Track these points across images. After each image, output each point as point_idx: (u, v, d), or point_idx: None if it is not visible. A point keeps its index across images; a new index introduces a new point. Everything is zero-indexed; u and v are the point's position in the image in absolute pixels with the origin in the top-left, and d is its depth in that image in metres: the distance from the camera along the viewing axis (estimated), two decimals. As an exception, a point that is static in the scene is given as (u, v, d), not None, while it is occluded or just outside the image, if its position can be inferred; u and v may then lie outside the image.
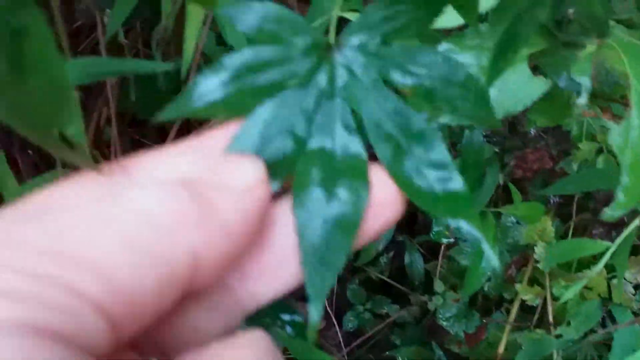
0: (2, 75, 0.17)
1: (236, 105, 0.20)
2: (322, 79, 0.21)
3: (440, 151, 0.20)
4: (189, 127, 0.96)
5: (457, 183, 0.21)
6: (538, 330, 0.65)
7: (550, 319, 0.65)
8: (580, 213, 0.82)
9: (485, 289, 0.86)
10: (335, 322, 1.21)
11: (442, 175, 0.20)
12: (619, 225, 0.66)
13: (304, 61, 0.21)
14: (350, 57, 0.22)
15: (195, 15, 0.36)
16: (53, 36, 0.18)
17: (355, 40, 0.22)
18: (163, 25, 0.42)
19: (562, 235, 0.78)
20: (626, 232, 0.47)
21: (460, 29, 0.42)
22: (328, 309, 1.20)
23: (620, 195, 0.35)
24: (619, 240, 0.47)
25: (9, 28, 0.17)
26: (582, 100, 0.37)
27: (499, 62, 0.39)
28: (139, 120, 0.95)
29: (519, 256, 0.77)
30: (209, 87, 0.19)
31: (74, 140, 0.20)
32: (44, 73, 0.18)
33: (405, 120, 0.21)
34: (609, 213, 0.36)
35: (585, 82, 0.37)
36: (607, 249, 0.46)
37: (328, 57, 0.21)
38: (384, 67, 0.22)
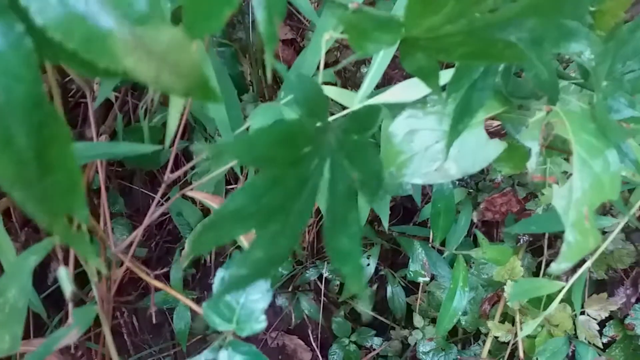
0: (30, 172, 0.20)
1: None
2: None
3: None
4: (177, 167, 0.99)
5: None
6: (510, 366, 0.68)
7: (521, 354, 0.68)
8: (551, 248, 0.86)
9: (463, 323, 0.90)
10: (320, 355, 1.23)
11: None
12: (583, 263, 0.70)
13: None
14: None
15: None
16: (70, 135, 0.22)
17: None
18: (150, 96, 0.45)
19: (534, 272, 0.82)
20: (577, 274, 0.51)
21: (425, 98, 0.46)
22: (313, 342, 1.22)
23: (565, 251, 0.39)
24: (572, 280, 0.51)
25: (39, 139, 0.20)
26: (532, 163, 0.41)
27: (457, 126, 0.44)
28: (127, 169, 0.97)
29: (493, 293, 0.81)
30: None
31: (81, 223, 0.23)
32: (63, 169, 0.21)
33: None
34: (556, 267, 0.39)
35: (534, 146, 0.41)
36: (562, 288, 0.50)
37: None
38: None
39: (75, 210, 0.22)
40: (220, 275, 0.38)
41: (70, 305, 0.47)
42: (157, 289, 1.07)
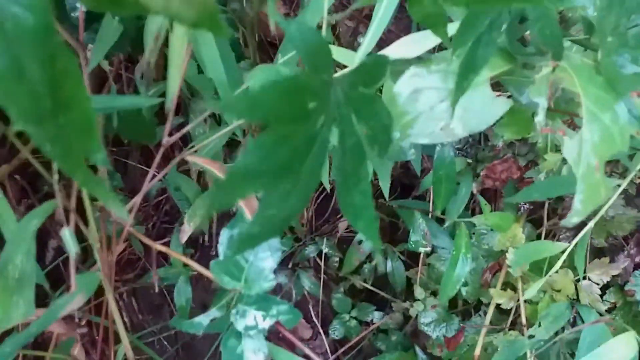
0: (45, 107, 0.20)
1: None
2: None
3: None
4: (173, 148, 0.98)
5: None
6: (512, 332, 0.69)
7: (524, 320, 0.69)
8: (552, 218, 0.87)
9: (464, 294, 0.90)
10: (322, 331, 1.23)
11: None
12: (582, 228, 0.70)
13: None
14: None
15: (178, 51, 0.39)
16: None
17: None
18: (146, 60, 0.44)
19: (534, 240, 0.82)
20: (580, 234, 0.51)
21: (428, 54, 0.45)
22: (314, 318, 1.22)
23: (577, 204, 0.39)
24: (575, 241, 0.51)
25: (51, 72, 0.19)
26: (540, 118, 0.41)
27: (462, 83, 0.43)
28: (122, 142, 0.96)
29: (494, 262, 0.81)
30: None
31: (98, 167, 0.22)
32: (77, 108, 0.21)
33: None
34: (568, 220, 0.39)
35: (542, 102, 0.41)
36: (565, 249, 0.50)
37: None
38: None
39: (92, 152, 0.22)
40: (227, 235, 0.38)
41: (72, 273, 0.46)
42: (161, 265, 1.06)
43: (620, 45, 0.45)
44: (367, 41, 0.42)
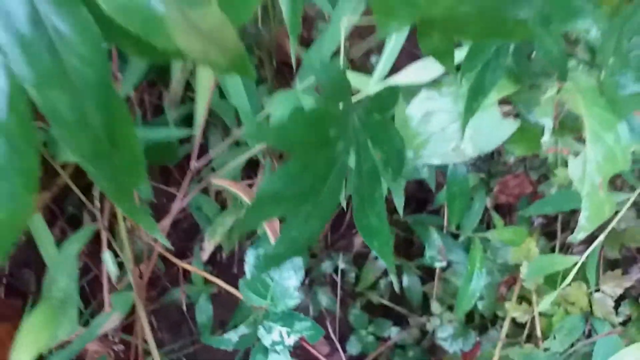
0: (103, 149, 0.22)
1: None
2: None
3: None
4: (189, 165, 1.01)
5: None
6: (528, 345, 0.70)
7: (539, 333, 0.70)
8: (565, 231, 0.88)
9: (480, 308, 0.91)
10: (339, 347, 1.24)
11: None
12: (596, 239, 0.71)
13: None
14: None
15: (204, 84, 0.42)
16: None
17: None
18: (174, 90, 0.48)
19: (548, 254, 0.83)
20: (590, 248, 0.53)
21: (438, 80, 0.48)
22: (332, 334, 1.24)
23: (583, 221, 0.41)
24: (585, 254, 0.53)
25: (108, 118, 0.22)
26: (546, 138, 0.43)
27: (471, 106, 0.46)
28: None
29: (509, 276, 0.82)
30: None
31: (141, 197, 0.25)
32: (128, 149, 0.23)
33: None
34: (575, 236, 0.41)
35: (548, 122, 0.43)
36: (576, 263, 0.52)
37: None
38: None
39: (138, 185, 0.24)
40: (253, 255, 0.40)
41: (106, 293, 0.49)
42: (177, 284, 1.08)
43: (622, 66, 0.47)
44: (380, 69, 0.45)
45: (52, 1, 0.21)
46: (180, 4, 0.23)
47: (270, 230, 0.46)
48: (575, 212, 0.96)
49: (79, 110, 0.23)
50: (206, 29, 0.23)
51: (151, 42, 0.23)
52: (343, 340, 1.24)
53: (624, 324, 0.83)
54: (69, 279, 0.42)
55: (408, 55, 0.64)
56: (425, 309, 1.12)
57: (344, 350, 1.22)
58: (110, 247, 0.50)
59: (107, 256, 0.42)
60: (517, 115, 0.54)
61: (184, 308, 1.25)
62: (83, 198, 0.49)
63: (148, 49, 0.23)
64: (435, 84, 0.47)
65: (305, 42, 0.89)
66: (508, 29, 0.33)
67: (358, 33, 0.87)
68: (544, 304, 0.57)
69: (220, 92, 0.62)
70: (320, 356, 0.45)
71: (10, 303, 0.45)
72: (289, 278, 0.41)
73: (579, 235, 0.40)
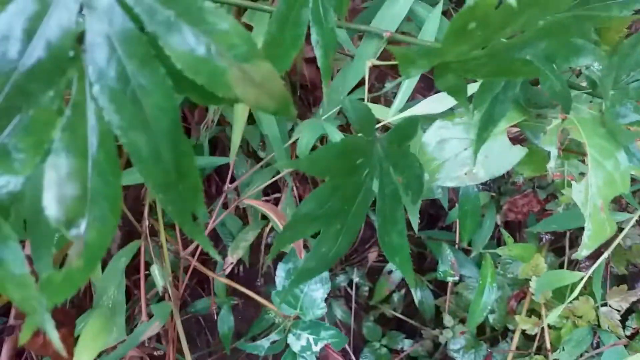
0: (171, 180, 0.27)
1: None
2: None
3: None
4: (210, 183, 1.06)
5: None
6: (537, 357, 0.73)
7: (548, 345, 0.73)
8: (573, 247, 0.91)
9: (491, 321, 0.94)
10: (354, 359, 1.27)
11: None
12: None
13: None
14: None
15: (240, 115, 0.47)
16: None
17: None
18: (211, 117, 0.52)
19: (556, 269, 0.87)
20: (596, 264, 0.56)
21: (452, 109, 0.52)
22: (346, 346, 1.27)
23: (586, 240, 0.45)
24: (591, 270, 0.57)
25: (176, 154, 0.27)
26: (551, 164, 0.47)
27: (482, 134, 0.50)
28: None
29: (519, 290, 0.86)
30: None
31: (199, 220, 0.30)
32: (190, 178, 0.28)
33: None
34: (579, 253, 0.45)
35: (553, 150, 0.47)
36: (582, 277, 0.55)
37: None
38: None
39: (198, 209, 0.29)
40: (284, 269, 0.44)
41: (143, 303, 0.53)
42: (199, 295, 1.13)
43: (622, 97, 0.51)
44: (398, 101, 0.49)
45: (137, 62, 0.26)
46: (238, 60, 0.28)
47: (297, 247, 0.50)
48: (582, 229, 1.00)
49: (154, 148, 0.27)
50: (259, 80, 0.28)
51: (214, 92, 0.27)
52: (357, 352, 1.27)
53: (631, 337, 0.86)
54: (118, 289, 0.46)
55: (422, 79, 0.68)
56: (437, 322, 1.15)
57: (358, 362, 1.25)
58: (145, 261, 0.54)
59: (155, 269, 0.46)
60: (524, 139, 0.58)
61: (205, 316, 1.29)
62: (131, 218, 0.53)
63: (211, 97, 0.28)
64: (448, 114, 0.51)
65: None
66: (515, 69, 0.38)
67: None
68: (552, 316, 0.60)
69: (247, 119, 0.66)
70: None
71: (66, 311, 0.50)
72: (317, 290, 0.45)
73: (583, 252, 0.44)
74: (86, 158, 0.26)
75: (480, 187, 0.85)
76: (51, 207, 0.24)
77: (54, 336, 0.24)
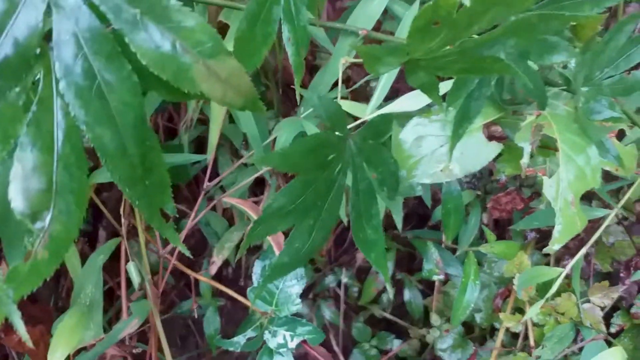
0: (137, 174, 0.27)
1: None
2: None
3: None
4: (197, 183, 1.06)
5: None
6: (521, 354, 0.74)
7: (532, 342, 0.73)
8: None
9: (478, 320, 0.95)
10: (343, 360, 1.28)
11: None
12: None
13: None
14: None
15: (217, 111, 0.47)
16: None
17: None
18: (190, 117, 0.53)
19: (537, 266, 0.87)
20: (573, 261, 0.57)
21: (429, 106, 0.53)
22: (335, 347, 1.27)
23: (556, 234, 0.45)
24: (569, 265, 0.57)
25: (142, 148, 0.27)
26: (524, 160, 0.48)
27: (458, 131, 0.51)
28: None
29: (504, 288, 0.86)
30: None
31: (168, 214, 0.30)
32: (157, 173, 0.28)
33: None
34: (549, 247, 0.46)
35: (526, 147, 0.48)
36: (561, 273, 0.56)
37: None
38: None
39: (165, 204, 0.29)
40: (260, 266, 0.45)
41: (124, 301, 0.54)
42: (187, 297, 1.13)
43: (596, 93, 0.52)
44: (375, 99, 0.50)
45: (104, 59, 0.26)
46: (203, 56, 0.28)
47: (275, 244, 0.51)
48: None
49: (120, 142, 0.28)
50: (224, 76, 0.29)
51: (180, 87, 0.28)
52: (346, 354, 1.27)
53: (617, 334, 0.87)
54: (95, 287, 0.47)
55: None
56: (426, 322, 1.15)
57: (348, 363, 1.25)
58: (126, 259, 0.55)
59: (131, 266, 0.47)
60: (505, 137, 0.59)
61: (194, 318, 1.29)
62: (109, 215, 0.54)
63: (177, 92, 0.28)
64: (425, 111, 0.51)
65: (309, 66, 0.95)
66: (486, 66, 0.38)
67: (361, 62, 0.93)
68: (531, 311, 0.61)
69: (230, 117, 0.67)
70: (319, 357, 0.49)
71: (43, 308, 0.50)
72: (292, 286, 0.45)
73: (554, 246, 0.44)
74: (52, 152, 0.26)
75: (465, 185, 0.85)
76: (17, 200, 0.25)
77: (21, 327, 0.25)
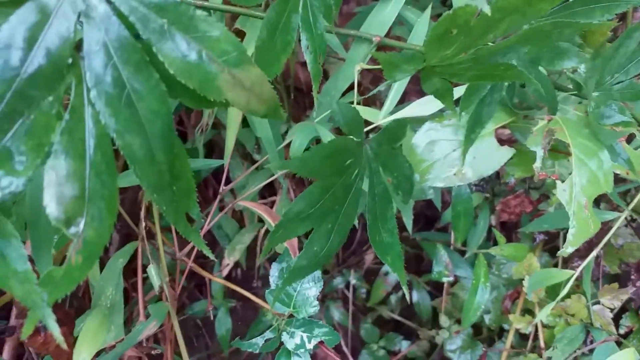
0: (165, 180, 0.28)
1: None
2: None
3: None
4: (207, 185, 1.07)
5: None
6: (532, 355, 0.74)
7: (542, 344, 0.74)
8: (567, 248, 0.92)
9: (487, 321, 0.95)
10: (351, 361, 1.28)
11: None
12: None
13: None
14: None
15: (234, 118, 0.48)
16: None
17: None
18: (205, 122, 0.54)
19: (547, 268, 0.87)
20: (585, 263, 0.57)
21: (441, 111, 0.53)
22: (344, 348, 1.28)
23: (570, 237, 0.46)
24: (580, 268, 0.58)
25: (170, 155, 0.28)
26: (537, 164, 0.48)
27: (470, 136, 0.51)
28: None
29: (513, 290, 0.87)
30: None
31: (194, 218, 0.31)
32: (184, 179, 0.29)
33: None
34: (563, 250, 0.46)
35: (539, 151, 0.48)
36: (572, 275, 0.57)
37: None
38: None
39: (191, 209, 0.30)
40: (277, 268, 0.45)
41: (141, 303, 0.55)
42: (197, 299, 1.14)
43: (606, 98, 0.52)
44: (388, 104, 0.51)
45: (133, 68, 0.27)
46: (228, 65, 0.29)
47: (290, 247, 0.52)
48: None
49: (149, 150, 0.28)
50: (249, 85, 0.29)
51: (206, 96, 0.29)
52: (355, 354, 1.28)
53: (625, 336, 0.87)
54: (116, 290, 0.48)
55: (416, 82, 0.70)
56: (434, 323, 1.16)
57: (356, 364, 1.26)
58: (143, 265, 0.56)
59: (152, 269, 0.48)
60: (515, 141, 0.59)
61: (204, 319, 1.30)
62: (129, 221, 0.54)
63: (203, 100, 0.29)
64: (437, 115, 0.52)
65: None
66: (499, 73, 0.39)
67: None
68: (542, 313, 0.61)
69: (242, 122, 0.68)
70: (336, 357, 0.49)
71: (65, 311, 0.51)
72: (309, 288, 0.46)
73: (568, 249, 0.45)
74: (84, 160, 0.27)
75: (474, 188, 0.86)
76: (51, 206, 0.26)
77: (55, 329, 0.26)
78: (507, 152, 0.52)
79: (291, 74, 0.76)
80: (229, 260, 0.90)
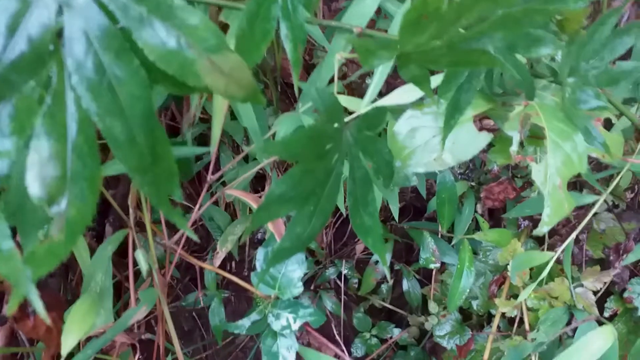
0: (146, 163, 0.29)
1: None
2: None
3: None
4: (200, 179, 1.08)
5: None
6: (516, 337, 0.76)
7: (527, 326, 0.76)
8: (553, 235, 0.94)
9: (475, 307, 0.97)
10: (345, 350, 1.30)
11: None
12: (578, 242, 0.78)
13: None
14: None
15: (219, 107, 0.49)
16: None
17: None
18: (192, 113, 0.55)
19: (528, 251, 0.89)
20: (564, 244, 0.59)
21: (422, 99, 0.55)
22: (337, 337, 1.30)
23: (545, 217, 0.47)
24: (559, 250, 0.59)
25: (151, 138, 0.29)
26: (514, 148, 0.49)
27: (450, 122, 0.53)
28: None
29: (499, 275, 0.89)
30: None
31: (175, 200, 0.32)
32: (165, 162, 0.30)
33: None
34: (538, 230, 0.48)
35: (515, 135, 0.50)
36: (552, 257, 0.58)
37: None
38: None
39: (173, 191, 0.31)
40: (262, 252, 0.47)
41: (132, 288, 0.56)
42: (192, 291, 1.15)
43: (582, 84, 0.54)
44: (370, 93, 0.52)
45: (113, 55, 0.28)
46: (207, 51, 0.30)
47: (276, 232, 0.53)
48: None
49: (129, 133, 0.30)
50: (227, 70, 0.30)
51: (185, 81, 0.30)
52: (348, 344, 1.30)
53: (610, 318, 0.89)
54: (105, 275, 0.49)
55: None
56: (425, 310, 1.18)
57: (349, 353, 1.28)
58: (134, 250, 0.57)
59: (139, 254, 0.49)
60: (497, 129, 0.61)
61: (199, 312, 1.32)
62: (117, 207, 0.56)
63: (182, 86, 0.30)
64: (418, 103, 0.53)
65: (307, 65, 0.97)
66: (474, 59, 0.40)
67: (355, 59, 0.95)
68: (524, 293, 0.63)
69: (231, 115, 0.69)
70: (324, 340, 0.51)
71: (55, 296, 0.52)
72: (294, 271, 0.47)
73: (543, 228, 0.46)
74: (66, 142, 0.28)
75: (459, 176, 0.87)
76: (33, 186, 0.27)
77: (38, 303, 0.27)
78: (485, 137, 0.53)
79: (278, 68, 0.77)
80: (221, 251, 0.91)
